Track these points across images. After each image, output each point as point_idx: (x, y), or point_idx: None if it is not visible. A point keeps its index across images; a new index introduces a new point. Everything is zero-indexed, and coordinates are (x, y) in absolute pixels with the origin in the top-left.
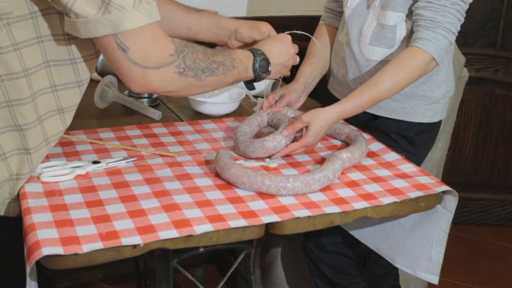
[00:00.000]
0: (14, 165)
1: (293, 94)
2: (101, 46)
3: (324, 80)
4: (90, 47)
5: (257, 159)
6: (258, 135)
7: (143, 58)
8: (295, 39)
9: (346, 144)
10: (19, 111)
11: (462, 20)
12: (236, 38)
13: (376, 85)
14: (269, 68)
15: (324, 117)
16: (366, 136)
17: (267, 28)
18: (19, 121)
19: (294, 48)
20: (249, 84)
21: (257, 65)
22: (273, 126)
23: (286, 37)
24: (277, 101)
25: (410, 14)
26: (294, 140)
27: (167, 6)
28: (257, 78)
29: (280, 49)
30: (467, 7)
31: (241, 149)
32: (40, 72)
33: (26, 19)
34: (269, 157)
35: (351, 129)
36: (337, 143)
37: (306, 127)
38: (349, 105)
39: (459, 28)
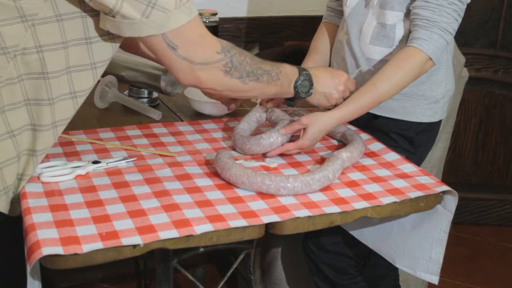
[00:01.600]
0: (22, 165)
1: None
2: (150, 45)
3: None
4: (109, 51)
5: (257, 159)
6: (257, 132)
7: (191, 54)
8: (295, 39)
9: (342, 143)
10: (36, 111)
11: (459, 20)
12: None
13: (375, 87)
14: (311, 90)
15: (324, 122)
16: (366, 136)
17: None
18: (35, 121)
19: (344, 87)
20: (289, 101)
21: (299, 83)
22: (272, 123)
23: (342, 75)
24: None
25: (408, 13)
26: (291, 140)
27: None
28: (296, 96)
29: (328, 80)
30: (464, 7)
31: (238, 145)
32: (62, 78)
33: (51, 21)
34: (264, 155)
35: (346, 128)
36: (337, 143)
37: (304, 129)
38: (349, 110)
39: (456, 28)
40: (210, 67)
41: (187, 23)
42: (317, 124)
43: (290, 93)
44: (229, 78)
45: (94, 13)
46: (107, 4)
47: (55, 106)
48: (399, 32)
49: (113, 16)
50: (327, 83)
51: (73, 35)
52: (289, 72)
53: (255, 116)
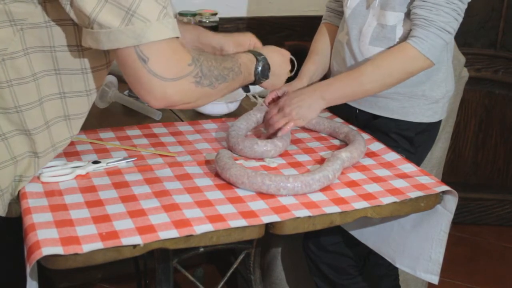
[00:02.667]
0: (21, 167)
1: None
2: (121, 57)
3: (323, 78)
4: (102, 58)
5: (257, 159)
6: (256, 133)
7: (163, 69)
8: (295, 39)
9: (345, 143)
10: (28, 115)
11: (460, 19)
12: (221, 54)
13: (359, 69)
14: (269, 74)
15: (303, 89)
16: (366, 136)
17: (251, 41)
18: (28, 126)
19: (289, 67)
20: (246, 87)
21: (259, 69)
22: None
23: (286, 52)
24: (279, 97)
25: (409, 14)
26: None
27: None
28: (256, 82)
29: (280, 61)
30: (465, 6)
31: (230, 143)
32: (49, 78)
33: (40, 27)
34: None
35: (350, 128)
36: (337, 143)
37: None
38: (329, 83)
39: (455, 27)
40: (181, 82)
41: (165, 39)
42: (297, 90)
43: (251, 80)
44: (200, 87)
45: None
46: (85, 11)
47: (44, 106)
48: (399, 33)
49: (92, 28)
50: (279, 63)
51: (62, 41)
52: (247, 61)
53: (256, 116)
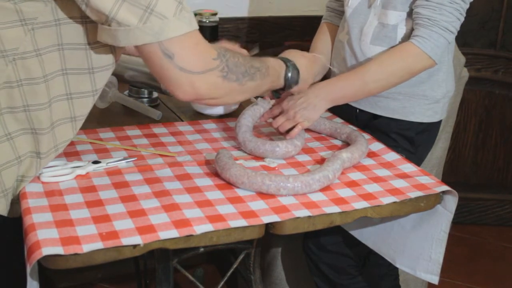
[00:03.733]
0: (23, 167)
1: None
2: (146, 54)
3: (323, 78)
4: (109, 57)
5: (257, 159)
6: (255, 126)
7: (189, 63)
8: (295, 39)
9: (347, 144)
10: (36, 116)
11: (462, 19)
12: None
13: (363, 67)
14: (299, 79)
15: (310, 89)
16: (366, 136)
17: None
18: (35, 125)
19: (314, 70)
20: (277, 93)
21: (289, 75)
22: (272, 117)
23: (310, 55)
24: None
25: (411, 13)
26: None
27: None
28: (286, 88)
29: (308, 65)
30: (467, 6)
31: (248, 147)
32: (57, 79)
33: (50, 26)
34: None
35: (351, 129)
36: (337, 143)
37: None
38: (334, 81)
39: (458, 27)
40: (208, 75)
41: (185, 34)
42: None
43: (280, 85)
44: (227, 82)
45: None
46: (104, 10)
47: (52, 108)
48: (401, 32)
49: (109, 25)
50: (307, 68)
51: (70, 39)
52: (276, 65)
53: (260, 111)
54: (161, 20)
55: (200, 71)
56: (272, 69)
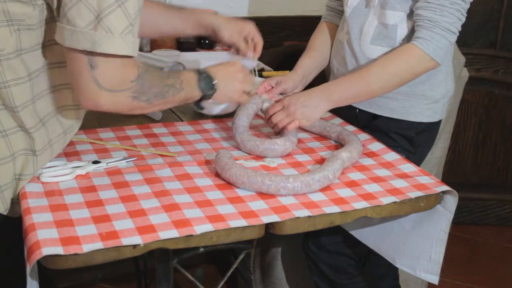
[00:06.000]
0: (19, 165)
1: (290, 82)
2: (71, 55)
3: (323, 78)
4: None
5: (257, 159)
6: (255, 126)
7: (106, 80)
8: (295, 39)
9: (339, 144)
10: (23, 115)
11: (463, 19)
12: (216, 38)
13: (366, 69)
14: (214, 86)
15: (308, 90)
16: (366, 136)
17: (249, 31)
18: (26, 125)
19: (243, 74)
20: (198, 104)
21: (202, 83)
22: (263, 112)
23: (235, 63)
24: (272, 87)
25: (411, 13)
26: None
27: (150, 8)
28: (204, 97)
29: (226, 72)
30: (467, 6)
31: (247, 147)
32: (42, 74)
33: (36, 28)
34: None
35: (342, 128)
36: (335, 143)
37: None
38: (336, 84)
39: (459, 28)
40: (119, 95)
41: (120, 56)
42: (305, 90)
43: (197, 95)
44: (136, 102)
45: None
46: (64, 2)
47: (36, 104)
48: (401, 32)
49: (61, 22)
50: (225, 75)
51: (53, 35)
52: (189, 78)
53: (253, 108)
54: (105, 33)
55: (112, 89)
56: (186, 83)
